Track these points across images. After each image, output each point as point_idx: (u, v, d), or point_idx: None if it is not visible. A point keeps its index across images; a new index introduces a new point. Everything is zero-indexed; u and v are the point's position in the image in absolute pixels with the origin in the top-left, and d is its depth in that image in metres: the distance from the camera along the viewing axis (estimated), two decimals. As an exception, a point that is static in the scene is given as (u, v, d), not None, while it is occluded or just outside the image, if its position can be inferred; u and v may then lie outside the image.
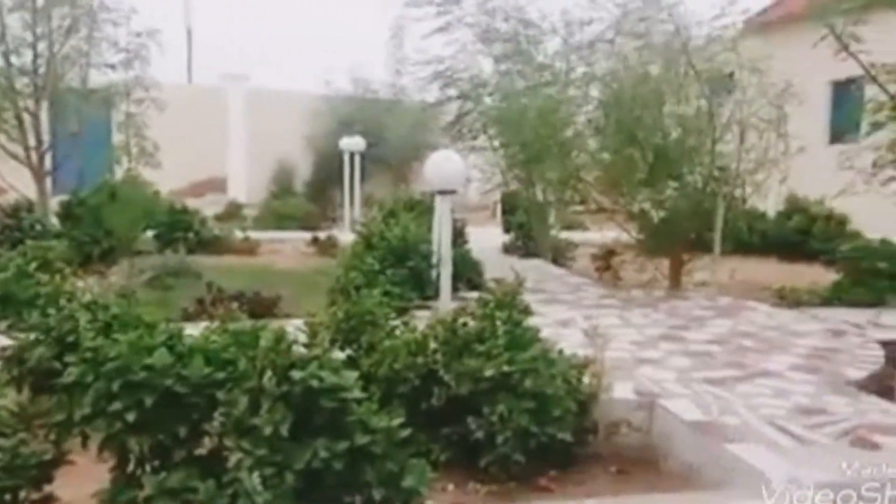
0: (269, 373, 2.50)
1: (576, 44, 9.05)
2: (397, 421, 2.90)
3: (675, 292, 8.24)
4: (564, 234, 11.39)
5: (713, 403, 4.18)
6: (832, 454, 3.56)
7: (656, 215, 7.78)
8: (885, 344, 5.51)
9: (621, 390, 4.27)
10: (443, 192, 4.46)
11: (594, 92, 9.22)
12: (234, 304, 3.81)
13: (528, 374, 3.62)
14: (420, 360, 3.75)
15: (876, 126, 5.00)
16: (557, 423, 3.59)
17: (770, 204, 11.19)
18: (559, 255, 10.63)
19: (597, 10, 8.87)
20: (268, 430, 2.51)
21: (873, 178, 4.74)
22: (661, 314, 6.97)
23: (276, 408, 2.50)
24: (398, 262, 6.69)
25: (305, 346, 2.65)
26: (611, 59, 9.06)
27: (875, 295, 7.07)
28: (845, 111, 12.14)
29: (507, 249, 11.65)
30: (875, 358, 5.34)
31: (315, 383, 2.50)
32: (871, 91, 6.93)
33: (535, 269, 9.40)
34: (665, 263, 8.53)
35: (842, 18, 4.13)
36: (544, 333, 4.02)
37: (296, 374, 2.51)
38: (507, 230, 12.33)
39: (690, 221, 8.22)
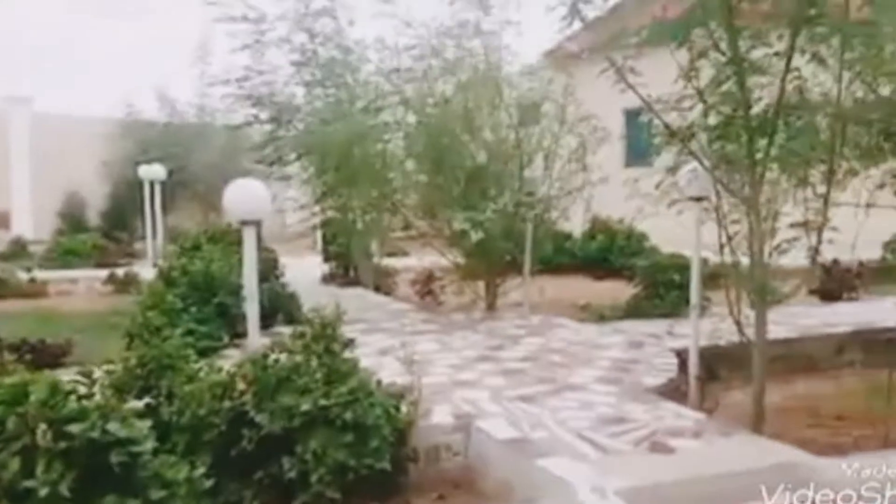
0: (42, 428, 2.29)
1: (390, 69, 9.23)
2: (200, 471, 2.76)
3: (492, 313, 8.59)
4: (386, 262, 11.51)
5: (524, 420, 4.39)
6: (632, 461, 3.86)
7: (475, 236, 8.06)
8: (678, 352, 6.07)
9: (440, 415, 4.37)
10: (247, 223, 4.36)
11: (410, 118, 9.44)
12: (12, 356, 3.45)
13: (348, 406, 3.61)
14: (227, 403, 3.61)
15: (658, 151, 5.56)
16: (375, 453, 3.60)
17: (576, 225, 12.02)
18: (381, 283, 10.70)
19: (412, 38, 9.12)
20: (44, 492, 2.29)
21: (659, 201, 5.24)
22: (479, 335, 7.22)
23: (52, 466, 2.29)
24: (203, 299, 6.41)
25: (83, 396, 2.45)
26: (424, 84, 9.33)
27: (669, 306, 7.78)
28: (637, 137, 13.40)
29: (327, 279, 11.56)
30: (670, 365, 5.88)
31: (98, 436, 2.32)
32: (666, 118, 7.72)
33: (356, 298, 9.40)
34: (482, 285, 8.87)
35: (621, 53, 4.56)
36: (365, 363, 4.03)
37: (74, 428, 2.32)
38: (326, 259, 12.24)
39: (504, 243, 8.62)
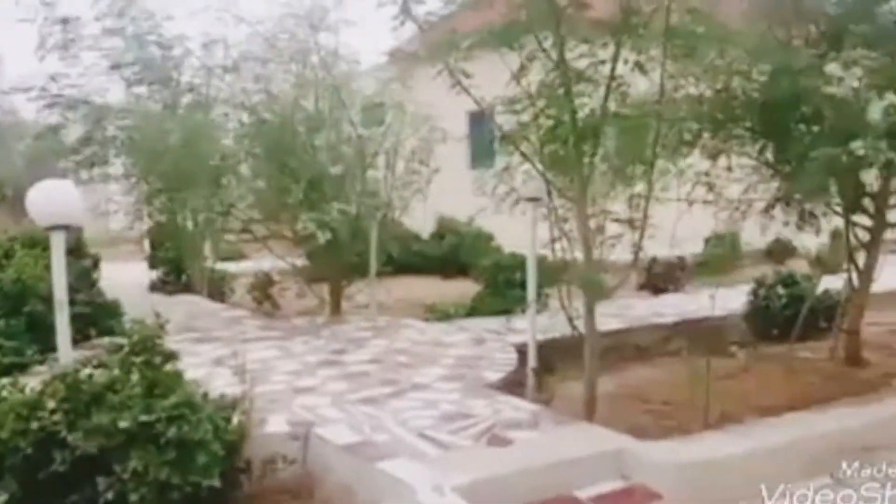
0: None
1: (217, 66, 8.90)
2: (2, 498, 2.53)
3: (337, 317, 8.51)
4: (221, 266, 11.06)
5: (366, 423, 4.38)
6: (470, 456, 3.95)
7: (322, 237, 7.92)
8: (518, 347, 6.29)
9: (275, 424, 4.27)
10: (55, 227, 4.03)
11: (245, 117, 9.16)
12: None
13: (172, 422, 3.43)
14: (35, 424, 3.34)
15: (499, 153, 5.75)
16: (203, 470, 3.44)
17: (423, 225, 12.18)
18: (215, 289, 10.27)
19: (240, 31, 8.84)
20: None
21: (502, 202, 5.42)
22: (321, 340, 7.12)
23: None
24: (14, 310, 5.88)
25: None
26: (260, 83, 9.08)
27: (510, 303, 8.04)
28: (481, 139, 13.78)
29: (157, 287, 10.95)
30: (510, 360, 6.08)
31: None
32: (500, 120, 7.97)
33: (187, 306, 8.99)
34: (326, 289, 8.76)
35: (456, 56, 4.67)
36: (196, 374, 3.86)
37: None
38: (153, 265, 11.59)
39: (350, 244, 8.56)
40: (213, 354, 6.21)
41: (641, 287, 9.81)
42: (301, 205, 8.18)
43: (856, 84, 4.50)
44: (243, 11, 8.66)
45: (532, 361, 5.52)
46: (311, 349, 6.68)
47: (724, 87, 5.14)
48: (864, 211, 6.29)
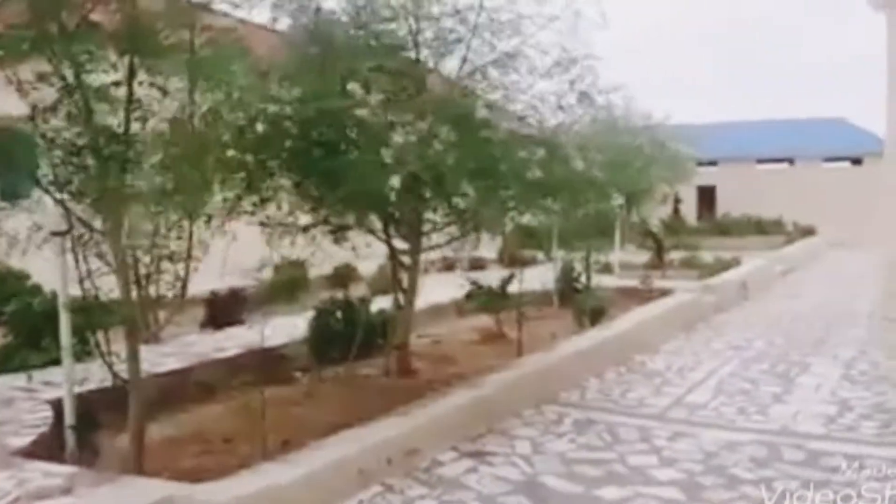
0: None
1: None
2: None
3: None
4: None
5: None
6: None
7: None
8: (53, 402, 5.68)
9: None
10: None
11: None
12: None
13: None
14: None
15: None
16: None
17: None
18: None
19: None
20: None
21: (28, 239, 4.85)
22: None
23: None
24: None
25: None
26: None
27: (49, 354, 7.19)
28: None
29: None
30: (44, 419, 5.47)
31: None
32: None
33: None
34: None
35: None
36: None
37: None
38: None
39: None
40: None
41: (204, 322, 9.70)
42: None
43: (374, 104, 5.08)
44: None
45: (69, 418, 5.05)
46: None
47: (256, 116, 5.35)
48: (403, 236, 7.18)
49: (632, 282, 13.25)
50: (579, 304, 10.65)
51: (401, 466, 5.14)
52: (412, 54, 6.43)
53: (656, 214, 22.09)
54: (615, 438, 5.98)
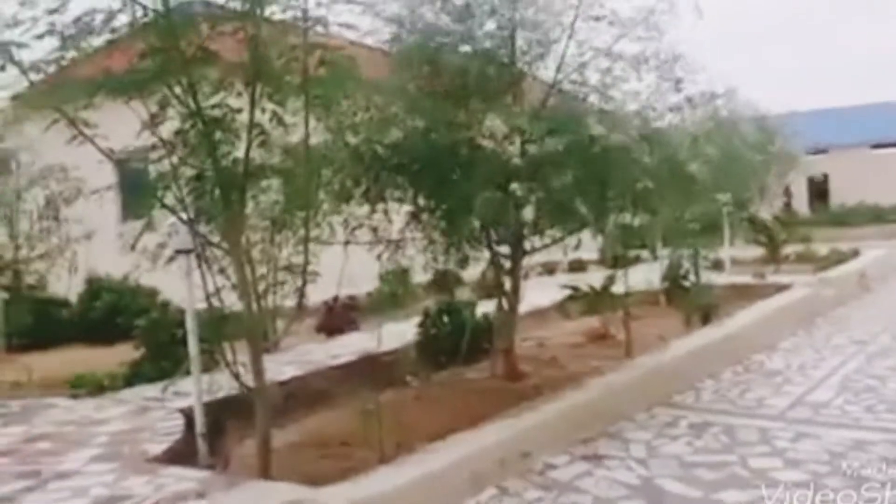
0: None
1: None
2: None
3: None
4: None
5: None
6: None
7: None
8: (184, 411, 6.02)
9: None
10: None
11: None
12: None
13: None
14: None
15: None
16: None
17: (69, 287, 11.09)
18: None
19: None
20: None
21: (158, 258, 5.18)
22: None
23: None
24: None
25: None
26: None
27: (177, 364, 7.62)
28: (133, 190, 12.94)
29: None
30: (177, 427, 5.80)
31: None
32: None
33: None
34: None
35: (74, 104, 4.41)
36: None
37: None
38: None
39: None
40: None
41: (318, 330, 10.02)
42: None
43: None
44: None
45: (199, 426, 5.33)
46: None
47: (373, 140, 5.57)
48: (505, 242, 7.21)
49: (744, 278, 12.80)
50: (688, 302, 10.36)
51: (514, 469, 5.15)
52: (506, 59, 6.48)
53: (767, 209, 21.23)
54: (734, 440, 5.79)
